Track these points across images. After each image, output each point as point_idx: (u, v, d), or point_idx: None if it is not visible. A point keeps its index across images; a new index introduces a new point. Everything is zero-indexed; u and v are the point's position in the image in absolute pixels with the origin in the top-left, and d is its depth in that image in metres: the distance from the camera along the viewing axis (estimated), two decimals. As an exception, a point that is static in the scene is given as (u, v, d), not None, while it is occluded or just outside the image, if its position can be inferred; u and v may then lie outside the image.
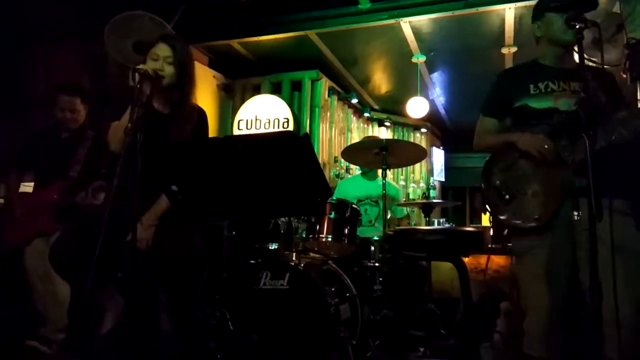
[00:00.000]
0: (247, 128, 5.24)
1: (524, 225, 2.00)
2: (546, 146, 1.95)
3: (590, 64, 2.27)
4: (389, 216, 4.18)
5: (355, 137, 6.27)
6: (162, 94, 2.30)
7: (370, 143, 3.23)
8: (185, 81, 2.32)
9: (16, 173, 3.12)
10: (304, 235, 3.00)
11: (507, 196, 2.05)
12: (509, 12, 4.08)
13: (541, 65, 2.15)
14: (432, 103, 6.21)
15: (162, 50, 2.25)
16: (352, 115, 6.33)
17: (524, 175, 2.04)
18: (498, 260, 3.92)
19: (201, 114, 2.47)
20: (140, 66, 2.08)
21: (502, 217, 2.06)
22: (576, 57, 2.14)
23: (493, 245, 4.03)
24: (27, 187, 3.13)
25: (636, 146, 1.94)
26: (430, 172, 7.23)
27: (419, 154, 3.22)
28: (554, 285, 1.96)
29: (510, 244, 2.19)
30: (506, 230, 2.12)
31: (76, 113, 3.09)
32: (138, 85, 1.99)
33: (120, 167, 1.79)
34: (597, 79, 1.90)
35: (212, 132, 5.11)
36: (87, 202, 2.80)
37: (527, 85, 2.10)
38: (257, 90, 5.49)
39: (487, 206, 2.14)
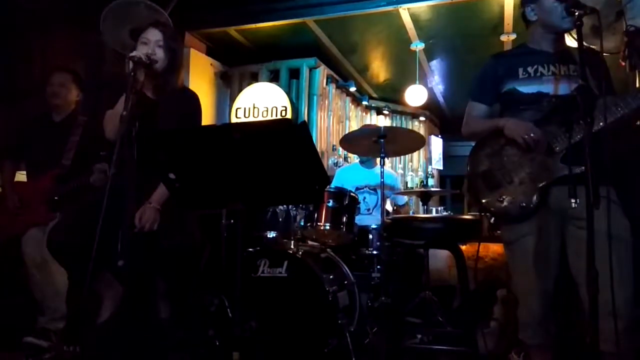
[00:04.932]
0: (245, 116, 5.22)
1: (511, 213, 2.00)
2: (532, 134, 1.93)
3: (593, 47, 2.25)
4: (387, 205, 4.19)
5: (354, 125, 6.26)
6: (154, 81, 2.29)
7: (368, 131, 3.22)
8: (174, 66, 2.31)
9: (10, 162, 3.10)
10: (302, 224, 3.00)
11: (493, 183, 2.04)
12: (508, -1, 4.06)
13: (531, 49, 2.12)
14: (430, 91, 6.18)
15: (153, 34, 2.25)
16: (350, 104, 6.31)
17: (510, 161, 2.03)
18: (495, 248, 3.93)
19: (192, 97, 2.46)
20: (134, 53, 2.08)
21: (487, 204, 2.05)
22: (568, 41, 2.12)
23: (491, 233, 4.03)
24: (23, 175, 3.12)
25: (620, 133, 1.94)
26: (429, 161, 7.23)
27: (417, 142, 3.22)
28: (544, 273, 1.96)
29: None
30: (492, 219, 2.11)
31: (66, 89, 3.05)
32: (132, 73, 1.99)
33: (117, 154, 1.79)
34: (587, 62, 1.88)
35: (209, 119, 5.14)
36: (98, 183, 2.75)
37: (516, 69, 2.08)
38: (254, 78, 5.47)
39: (471, 193, 2.12)
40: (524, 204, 1.96)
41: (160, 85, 2.31)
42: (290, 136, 1.66)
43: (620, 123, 1.86)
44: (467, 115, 2.26)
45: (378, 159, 3.10)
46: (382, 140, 2.93)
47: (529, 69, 2.06)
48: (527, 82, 2.05)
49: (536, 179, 1.96)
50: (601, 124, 1.81)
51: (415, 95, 5.55)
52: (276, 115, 5.08)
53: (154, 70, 2.20)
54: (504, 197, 2.01)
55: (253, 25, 4.74)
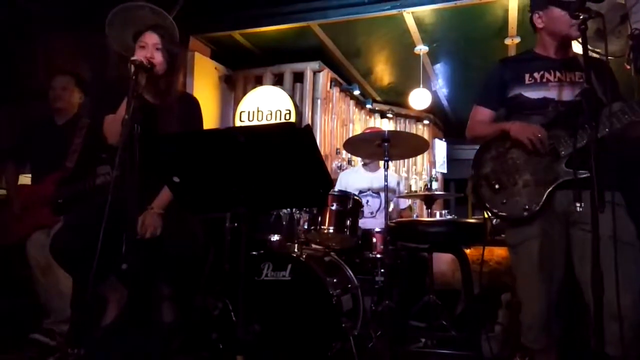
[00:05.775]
0: (249, 120, 5.23)
1: (513, 215, 2.00)
2: (539, 135, 1.94)
3: (594, 55, 2.25)
4: (391, 208, 4.18)
5: (357, 129, 6.25)
6: (153, 84, 2.28)
7: (372, 135, 3.23)
8: (173, 70, 2.31)
9: (13, 165, 3.11)
10: (306, 227, 3.00)
11: (497, 185, 2.04)
12: (513, 3, 4.05)
13: (538, 55, 2.14)
14: (434, 94, 6.18)
15: (150, 37, 2.25)
16: (354, 107, 6.31)
17: (514, 164, 2.03)
18: (500, 252, 3.92)
19: (191, 101, 2.45)
20: (135, 57, 2.08)
21: (490, 206, 2.05)
22: (575, 48, 2.12)
23: (492, 237, 4.01)
24: (27, 177, 3.13)
25: (626, 138, 1.94)
26: (433, 164, 7.21)
27: (421, 146, 3.21)
28: (548, 277, 1.96)
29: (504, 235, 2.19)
30: (495, 220, 2.11)
31: (68, 92, 3.07)
32: (134, 77, 1.99)
33: (119, 158, 1.79)
34: (593, 69, 1.89)
35: (213, 123, 5.15)
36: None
37: (523, 74, 2.09)
38: (258, 82, 5.48)
39: (475, 195, 2.12)
40: (527, 207, 1.96)
41: (161, 89, 2.31)
42: (294, 139, 1.66)
43: (626, 129, 1.86)
44: (471, 120, 2.26)
45: (381, 162, 3.10)
46: (386, 144, 2.93)
47: (536, 75, 2.07)
48: (533, 88, 2.06)
49: (540, 182, 1.96)
50: (607, 130, 1.81)
51: (419, 99, 5.55)
52: (280, 119, 5.09)
53: (155, 74, 2.20)
54: (507, 199, 2.01)
55: (257, 29, 4.75)
